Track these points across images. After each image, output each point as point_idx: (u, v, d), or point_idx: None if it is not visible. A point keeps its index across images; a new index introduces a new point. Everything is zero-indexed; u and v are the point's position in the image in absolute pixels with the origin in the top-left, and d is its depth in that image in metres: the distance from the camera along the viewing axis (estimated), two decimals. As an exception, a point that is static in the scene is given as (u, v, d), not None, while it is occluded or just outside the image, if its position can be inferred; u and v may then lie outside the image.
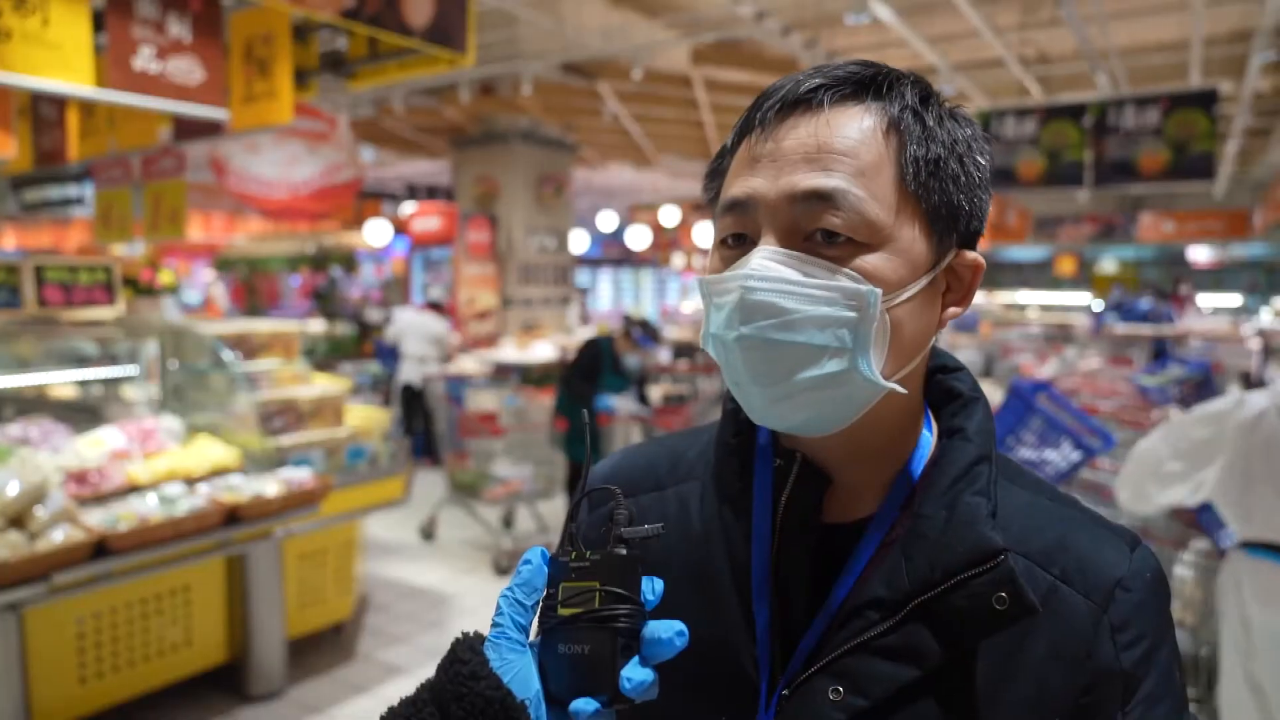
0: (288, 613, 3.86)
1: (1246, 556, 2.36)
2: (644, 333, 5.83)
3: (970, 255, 0.73)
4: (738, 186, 0.70)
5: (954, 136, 0.70)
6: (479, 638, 0.60)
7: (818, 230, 0.66)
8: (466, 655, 0.58)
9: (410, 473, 4.54)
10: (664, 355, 10.68)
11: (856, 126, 0.68)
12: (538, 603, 0.62)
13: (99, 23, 3.24)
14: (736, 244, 0.71)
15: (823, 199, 0.66)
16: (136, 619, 3.37)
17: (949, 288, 0.73)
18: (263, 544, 3.61)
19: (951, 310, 0.73)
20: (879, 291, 0.65)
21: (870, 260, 0.66)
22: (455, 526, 6.24)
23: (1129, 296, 12.42)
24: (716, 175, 0.76)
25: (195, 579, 3.56)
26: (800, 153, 0.67)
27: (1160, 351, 9.59)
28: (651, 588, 0.62)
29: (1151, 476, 2.49)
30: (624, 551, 0.61)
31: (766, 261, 0.66)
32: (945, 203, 0.69)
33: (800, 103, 0.69)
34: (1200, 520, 2.70)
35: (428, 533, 6.00)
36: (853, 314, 0.65)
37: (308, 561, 4.01)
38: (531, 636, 0.62)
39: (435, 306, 8.46)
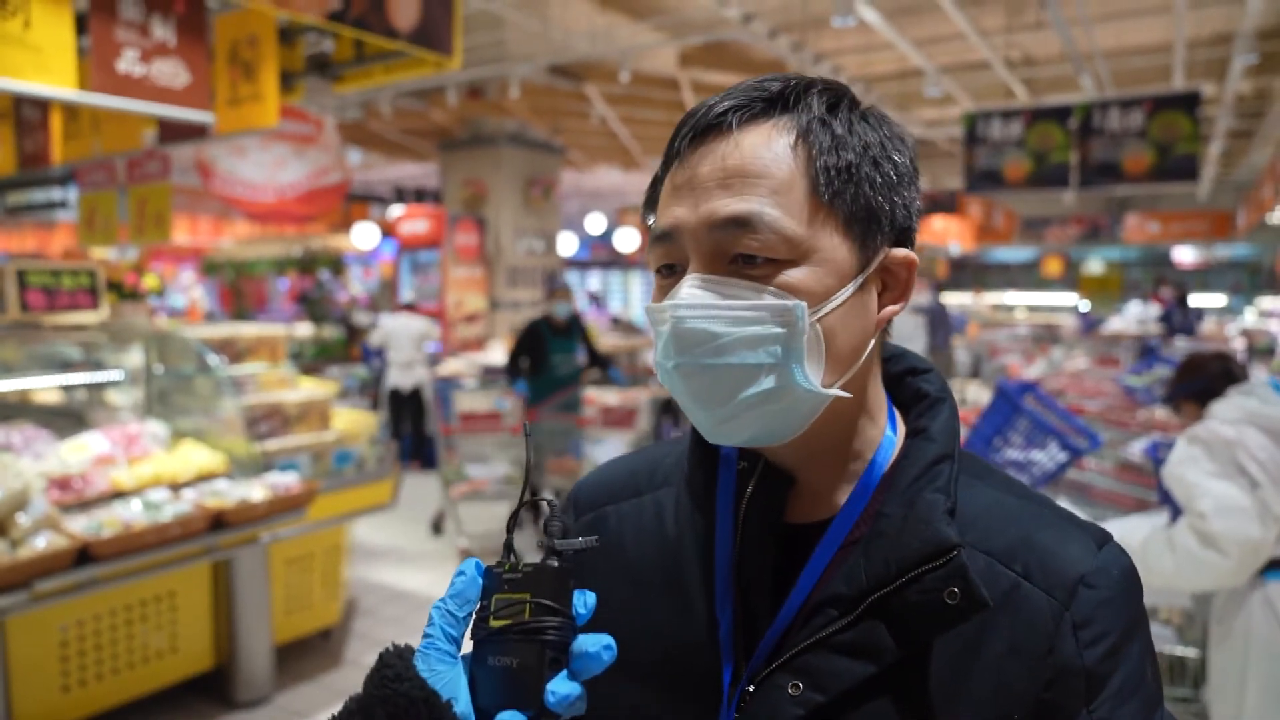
0: (274, 618, 3.84)
1: (1269, 581, 2.26)
2: (552, 282, 6.07)
3: (901, 252, 0.73)
4: (663, 218, 0.72)
5: (866, 140, 0.71)
6: (409, 649, 0.60)
7: (739, 253, 0.68)
8: (392, 661, 0.58)
9: (398, 476, 4.52)
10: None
11: (766, 146, 0.69)
12: (471, 614, 0.62)
13: (82, 25, 3.21)
14: (670, 273, 0.73)
15: (739, 224, 0.67)
16: (121, 626, 3.34)
17: (885, 286, 0.74)
18: (249, 549, 3.58)
19: (889, 309, 0.74)
20: (804, 305, 0.67)
21: (793, 275, 0.68)
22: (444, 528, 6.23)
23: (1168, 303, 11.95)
24: (651, 205, 0.78)
25: (181, 585, 3.53)
26: (714, 179, 0.69)
27: (1146, 351, 9.63)
28: (583, 601, 0.63)
29: (1251, 518, 2.18)
30: (555, 564, 0.61)
31: (693, 290, 0.68)
32: (863, 206, 0.70)
33: (711, 128, 0.70)
34: None
35: (437, 526, 6.15)
36: (781, 330, 0.67)
37: (294, 566, 3.98)
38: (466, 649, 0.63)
39: (410, 307, 8.45)
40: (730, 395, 0.68)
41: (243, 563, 3.63)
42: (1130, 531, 2.48)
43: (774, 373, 0.67)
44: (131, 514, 3.16)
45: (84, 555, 2.93)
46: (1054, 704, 0.67)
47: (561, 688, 0.59)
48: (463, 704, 0.58)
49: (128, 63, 3.18)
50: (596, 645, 0.60)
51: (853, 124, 0.71)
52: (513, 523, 0.66)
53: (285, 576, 3.94)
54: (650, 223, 0.77)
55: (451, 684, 0.59)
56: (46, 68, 2.88)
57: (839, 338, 0.70)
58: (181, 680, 3.58)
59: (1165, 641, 2.88)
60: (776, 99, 0.71)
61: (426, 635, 0.61)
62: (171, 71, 3.33)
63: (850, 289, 0.70)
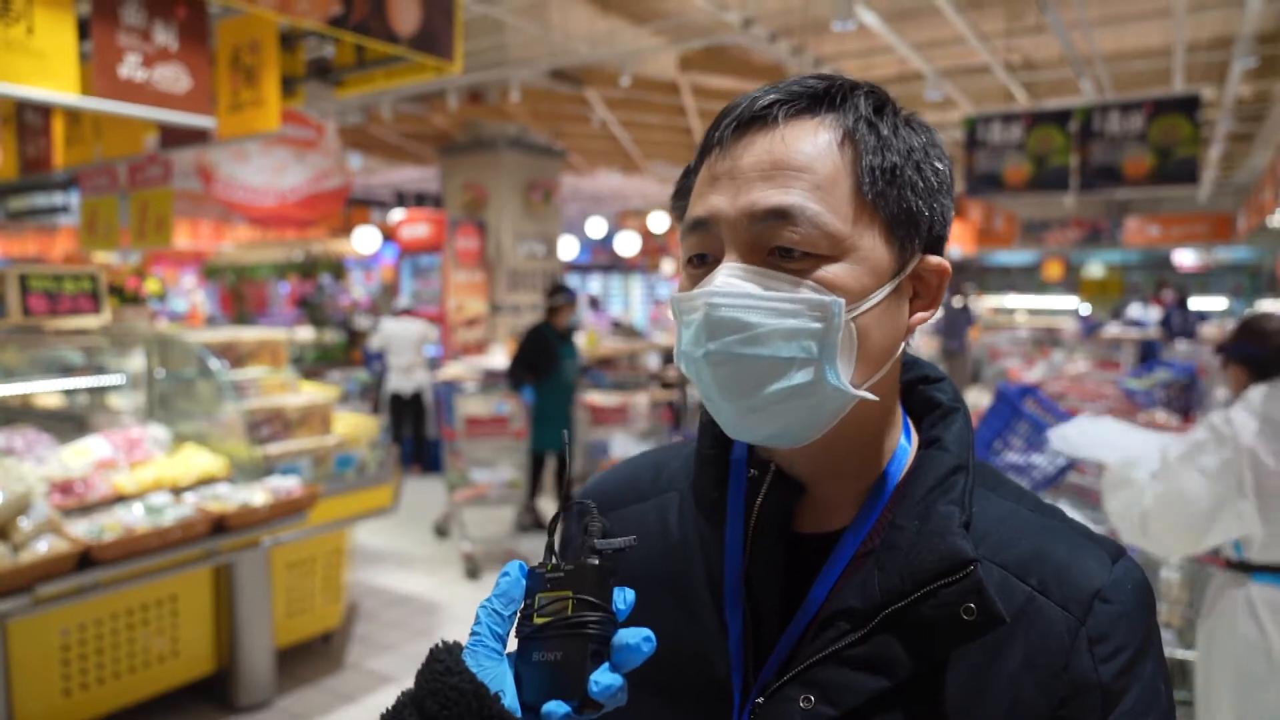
0: (276, 622, 3.84)
1: (1255, 582, 2.27)
2: (563, 292, 6.17)
3: (934, 260, 0.73)
4: (699, 206, 0.71)
5: (910, 145, 0.71)
6: (457, 645, 0.61)
7: (778, 246, 0.67)
8: (442, 656, 0.59)
9: (399, 481, 4.53)
10: (653, 360, 10.69)
11: (811, 141, 0.68)
12: (515, 613, 0.63)
13: (84, 31, 3.22)
14: (701, 263, 0.72)
15: (781, 216, 0.66)
16: (122, 630, 3.34)
17: (916, 293, 0.73)
18: (250, 553, 3.59)
19: (919, 315, 0.73)
20: (842, 301, 0.66)
21: (832, 271, 0.67)
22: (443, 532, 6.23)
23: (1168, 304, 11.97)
24: (682, 195, 0.77)
25: (182, 589, 3.53)
26: (757, 170, 0.68)
27: (1147, 355, 9.63)
28: (623, 597, 0.64)
29: (1185, 526, 2.27)
30: (596, 562, 0.63)
31: (730, 278, 0.67)
32: (904, 210, 0.70)
33: (756, 120, 0.70)
34: None
35: (442, 530, 6.16)
36: (818, 325, 0.66)
37: (296, 570, 3.99)
38: (511, 648, 0.64)
39: (407, 312, 8.47)
40: (759, 387, 0.67)
41: (244, 566, 3.63)
42: (1154, 453, 2.44)
43: (806, 368, 0.66)
44: (133, 518, 3.16)
45: (85, 559, 2.93)
46: None
47: (604, 678, 0.60)
48: (509, 697, 0.60)
49: (129, 68, 3.19)
50: (637, 638, 0.61)
51: (898, 127, 0.71)
52: (554, 526, 0.67)
53: (286, 580, 3.94)
54: (680, 211, 0.77)
55: (499, 678, 0.60)
56: (49, 73, 2.89)
57: (872, 338, 0.69)
58: (182, 684, 3.59)
59: (1164, 645, 2.87)
60: (823, 96, 0.70)
61: (474, 633, 0.62)
62: (173, 76, 3.33)
63: (886, 290, 0.69)
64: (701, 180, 0.72)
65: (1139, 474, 2.41)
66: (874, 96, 0.72)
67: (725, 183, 0.69)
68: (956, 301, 12.61)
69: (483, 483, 5.61)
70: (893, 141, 0.70)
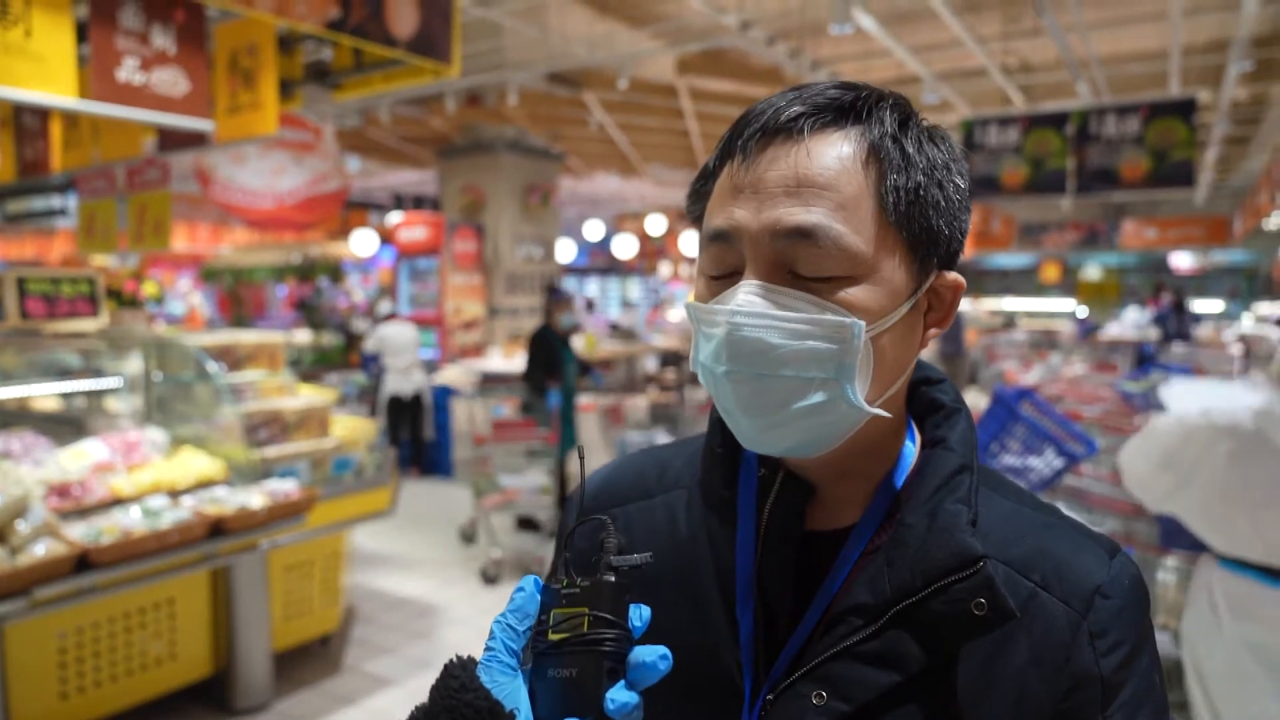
0: (273, 625, 3.84)
1: (1219, 567, 2.37)
2: (553, 293, 6.23)
3: (950, 276, 0.74)
4: (721, 217, 0.71)
5: (933, 161, 0.70)
6: (472, 660, 0.61)
7: (800, 265, 0.67)
8: (457, 672, 0.59)
9: (397, 484, 4.53)
10: (651, 363, 10.69)
11: (836, 156, 0.68)
12: (530, 628, 0.63)
13: (82, 34, 3.23)
14: (721, 274, 0.72)
15: (804, 235, 0.66)
16: (120, 633, 3.34)
17: (930, 307, 0.74)
18: (248, 556, 3.59)
19: (933, 331, 0.74)
20: (862, 323, 0.66)
21: (852, 292, 0.67)
22: (442, 535, 6.23)
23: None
24: (700, 197, 0.76)
25: (179, 592, 3.53)
26: (781, 186, 0.68)
27: (1144, 358, 9.65)
28: (639, 614, 0.64)
29: (1140, 484, 2.53)
30: (612, 579, 0.63)
31: (751, 297, 0.67)
32: (925, 229, 0.70)
33: (781, 131, 0.69)
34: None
35: (469, 535, 6.16)
36: (837, 346, 0.67)
37: (294, 573, 3.98)
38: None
39: (392, 316, 8.47)
40: (779, 406, 0.68)
41: (242, 570, 3.63)
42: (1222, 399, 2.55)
43: (825, 387, 0.67)
44: (131, 521, 3.16)
45: (83, 562, 2.93)
46: (1072, 712, 0.68)
47: (620, 696, 0.60)
48: (524, 713, 0.60)
49: (128, 71, 3.19)
50: (653, 655, 0.61)
51: (921, 143, 0.71)
52: (568, 541, 0.67)
53: (284, 583, 3.94)
54: (695, 214, 0.77)
55: (514, 695, 0.60)
56: (48, 76, 2.89)
57: (889, 356, 0.70)
58: (180, 687, 3.58)
59: (1162, 646, 2.89)
60: (849, 109, 0.70)
61: (488, 648, 0.62)
62: (171, 80, 3.34)
63: (904, 309, 0.70)
64: (722, 188, 0.72)
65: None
66: (899, 110, 0.72)
67: (748, 195, 0.69)
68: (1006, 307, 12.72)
69: (512, 488, 5.59)
70: (917, 159, 0.69)
